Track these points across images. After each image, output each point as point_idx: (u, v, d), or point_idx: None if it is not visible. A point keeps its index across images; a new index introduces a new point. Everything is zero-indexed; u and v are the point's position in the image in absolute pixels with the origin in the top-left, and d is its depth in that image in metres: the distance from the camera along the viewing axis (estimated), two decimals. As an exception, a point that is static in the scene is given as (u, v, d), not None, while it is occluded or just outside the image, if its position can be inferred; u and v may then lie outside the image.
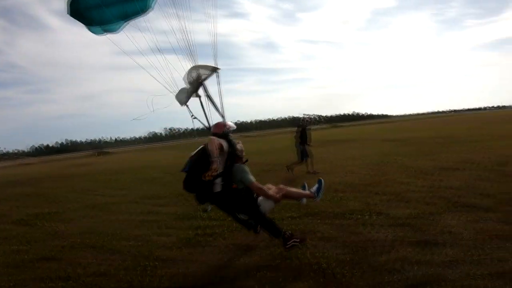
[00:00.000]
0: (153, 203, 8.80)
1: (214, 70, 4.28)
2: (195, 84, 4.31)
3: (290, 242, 3.85)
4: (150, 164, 23.23)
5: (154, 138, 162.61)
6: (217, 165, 3.58)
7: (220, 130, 4.14)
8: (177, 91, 4.50)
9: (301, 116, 11.02)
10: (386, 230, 5.13)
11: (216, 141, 3.72)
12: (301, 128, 11.06)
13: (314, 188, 4.57)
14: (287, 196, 4.35)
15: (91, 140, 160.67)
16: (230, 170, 3.96)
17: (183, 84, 4.40)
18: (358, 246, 4.53)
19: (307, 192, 4.56)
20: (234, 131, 4.37)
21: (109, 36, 4.60)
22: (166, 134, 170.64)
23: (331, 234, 5.05)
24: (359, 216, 5.96)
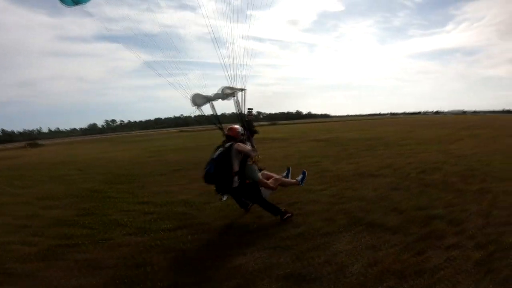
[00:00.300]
0: (42, 205, 8.55)
1: (241, 89, 6.04)
2: (224, 97, 5.97)
3: (285, 216, 5.57)
4: (68, 159, 21.53)
5: (93, 130, 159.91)
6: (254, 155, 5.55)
7: (236, 135, 5.69)
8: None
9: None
10: (259, 253, 4.42)
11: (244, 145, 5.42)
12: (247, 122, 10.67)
13: (299, 177, 6.45)
14: (281, 184, 6.07)
15: (26, 130, 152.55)
16: (243, 169, 5.41)
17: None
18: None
19: (294, 180, 6.38)
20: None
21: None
22: (103, 126, 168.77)
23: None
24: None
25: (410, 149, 14.99)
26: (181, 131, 71.49)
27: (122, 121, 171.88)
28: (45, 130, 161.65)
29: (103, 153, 24.00)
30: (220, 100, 6.15)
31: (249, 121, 6.45)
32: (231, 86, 5.97)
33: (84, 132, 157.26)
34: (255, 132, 6.56)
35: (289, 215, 5.67)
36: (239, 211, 6.46)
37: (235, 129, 5.79)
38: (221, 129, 6.23)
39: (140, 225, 6.18)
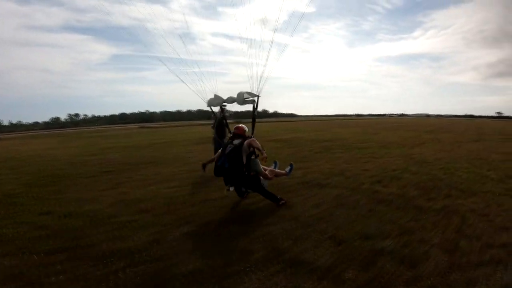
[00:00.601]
0: None
1: (258, 96, 6.71)
2: (243, 102, 6.61)
3: (280, 202, 6.49)
4: (8, 155, 18.61)
5: (55, 124, 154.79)
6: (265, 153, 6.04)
7: (242, 133, 6.53)
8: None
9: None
10: None
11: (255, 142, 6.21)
12: (217, 120, 10.32)
13: (287, 169, 7.56)
14: (275, 175, 7.04)
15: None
16: (249, 163, 6.25)
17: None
18: None
19: (283, 172, 7.40)
20: None
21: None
22: (66, 120, 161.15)
23: None
24: None
25: (369, 153, 14.06)
26: (142, 127, 69.78)
27: (86, 115, 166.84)
28: (5, 123, 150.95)
29: (49, 149, 21.57)
30: (235, 103, 6.76)
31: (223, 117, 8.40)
32: (250, 92, 6.60)
33: (46, 125, 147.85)
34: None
35: (283, 201, 6.56)
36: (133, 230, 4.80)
37: (242, 127, 6.59)
38: (227, 127, 7.57)
39: (23, 243, 4.91)
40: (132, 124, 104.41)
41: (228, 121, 8.30)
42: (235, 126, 6.66)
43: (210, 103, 7.11)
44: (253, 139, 6.29)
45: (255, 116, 6.95)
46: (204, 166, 6.41)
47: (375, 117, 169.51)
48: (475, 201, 6.82)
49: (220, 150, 6.39)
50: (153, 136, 32.06)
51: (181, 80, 6.72)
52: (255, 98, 6.68)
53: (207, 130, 45.55)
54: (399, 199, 6.94)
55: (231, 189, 6.42)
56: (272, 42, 6.67)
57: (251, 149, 6.26)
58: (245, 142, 6.14)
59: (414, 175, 9.45)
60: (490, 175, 9.51)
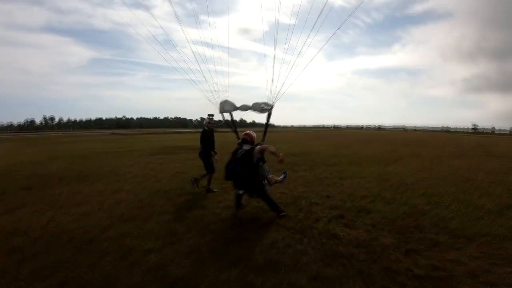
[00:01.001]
0: None
1: (272, 106, 6.86)
2: (261, 111, 6.80)
3: (281, 214, 6.39)
4: None
5: (29, 127, 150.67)
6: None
7: (252, 139, 6.68)
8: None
9: (205, 117, 9.44)
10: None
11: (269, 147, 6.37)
12: (205, 132, 9.10)
13: (282, 177, 7.31)
14: (274, 182, 6.94)
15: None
16: (257, 168, 6.37)
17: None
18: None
19: (279, 179, 7.12)
20: None
21: None
22: (42, 123, 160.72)
23: None
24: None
25: (337, 172, 11.90)
26: (114, 133, 66.70)
27: (61, 119, 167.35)
28: None
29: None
30: (247, 111, 6.98)
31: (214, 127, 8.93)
32: (267, 102, 6.79)
33: (20, 128, 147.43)
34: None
35: (284, 213, 6.46)
36: None
37: (251, 134, 6.74)
38: (236, 133, 7.30)
39: None
40: (106, 130, 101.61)
41: (219, 130, 9.03)
42: (244, 132, 6.81)
43: (226, 108, 7.13)
44: (266, 145, 6.45)
45: (268, 124, 7.13)
46: (195, 181, 8.54)
47: (353, 129, 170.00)
48: (474, 254, 4.68)
49: (230, 155, 6.61)
50: (114, 144, 29.56)
51: (199, 89, 7.26)
52: (271, 108, 6.86)
53: (177, 138, 43.94)
54: (365, 255, 4.69)
55: (241, 192, 6.72)
56: (296, 58, 6.71)
57: (261, 155, 6.40)
58: (257, 148, 6.35)
59: (388, 205, 7.30)
60: (484, 204, 7.47)
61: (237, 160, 6.33)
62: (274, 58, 6.93)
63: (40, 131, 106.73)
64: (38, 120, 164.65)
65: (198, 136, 9.16)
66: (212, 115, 8.70)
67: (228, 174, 6.45)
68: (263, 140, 6.86)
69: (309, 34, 6.37)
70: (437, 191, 8.74)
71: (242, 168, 6.23)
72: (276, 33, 6.66)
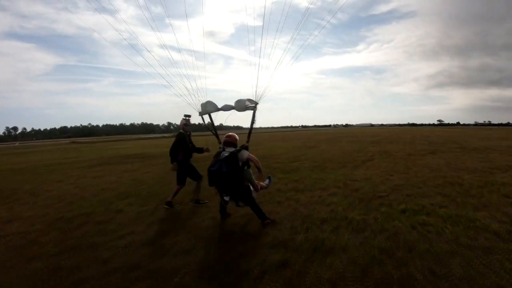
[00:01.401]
0: None
1: (256, 103, 6.37)
2: (243, 109, 6.19)
3: (266, 221, 5.88)
4: None
5: None
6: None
7: (235, 141, 6.10)
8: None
9: (180, 120, 7.89)
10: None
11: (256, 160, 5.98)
12: (181, 136, 7.53)
13: (267, 181, 6.85)
14: (260, 188, 6.37)
15: None
16: (242, 172, 5.91)
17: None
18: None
19: (264, 184, 6.64)
20: None
21: None
22: (5, 133, 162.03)
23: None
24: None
25: (294, 182, 9.68)
26: (74, 142, 62.37)
27: (25, 129, 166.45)
28: None
29: None
30: (230, 111, 6.39)
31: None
32: (251, 99, 6.32)
33: None
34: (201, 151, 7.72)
35: (269, 220, 5.95)
36: None
37: (234, 136, 6.15)
38: (217, 136, 6.63)
39: None
40: (67, 139, 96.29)
41: (194, 133, 7.97)
42: (226, 134, 6.21)
43: (205, 110, 6.55)
44: (250, 154, 5.97)
45: (253, 123, 6.49)
46: (197, 202, 7.39)
47: (320, 128, 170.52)
48: None
49: (213, 158, 5.91)
50: (63, 155, 26.17)
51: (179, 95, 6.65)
52: (256, 106, 6.37)
53: (139, 145, 40.95)
54: None
55: (227, 198, 5.89)
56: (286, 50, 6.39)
57: (246, 159, 5.92)
58: (246, 154, 5.87)
59: (358, 235, 5.07)
60: (487, 224, 5.40)
61: (221, 161, 5.76)
62: (260, 56, 6.43)
63: (1, 143, 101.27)
64: (1, 131, 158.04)
65: (170, 142, 7.62)
66: (189, 116, 7.60)
67: (212, 176, 5.76)
68: (247, 141, 6.42)
69: (275, 35, 6.17)
70: (420, 204, 6.67)
71: (228, 170, 5.65)
72: (249, 34, 6.46)
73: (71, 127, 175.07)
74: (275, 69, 6.46)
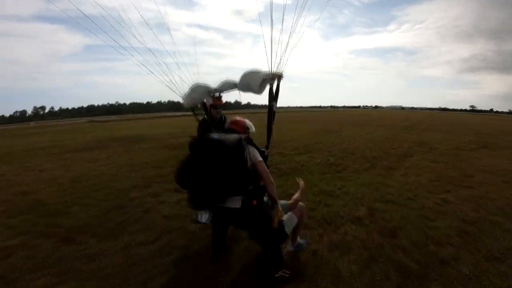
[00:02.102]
0: None
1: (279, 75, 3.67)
2: (259, 85, 3.64)
3: (284, 274, 3.26)
4: None
5: (19, 118, 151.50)
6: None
7: (242, 129, 3.41)
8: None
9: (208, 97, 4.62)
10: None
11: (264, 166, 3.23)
12: (202, 123, 4.54)
13: (302, 241, 4.04)
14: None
15: None
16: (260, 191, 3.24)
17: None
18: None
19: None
20: None
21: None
22: (33, 113, 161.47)
23: None
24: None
25: (284, 196, 5.76)
26: (91, 121, 60.81)
27: (52, 108, 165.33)
28: None
29: None
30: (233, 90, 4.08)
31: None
32: (261, 71, 3.62)
33: (10, 119, 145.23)
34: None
35: (287, 274, 3.26)
36: None
37: (242, 121, 3.50)
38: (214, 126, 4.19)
39: None
40: (85, 118, 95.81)
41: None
42: (230, 120, 3.57)
43: (191, 101, 4.28)
44: (264, 167, 3.13)
45: (272, 107, 3.72)
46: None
47: (350, 109, 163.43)
48: None
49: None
50: (62, 136, 22.24)
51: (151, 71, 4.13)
52: (278, 79, 3.66)
53: (152, 124, 37.44)
54: None
55: (205, 219, 3.05)
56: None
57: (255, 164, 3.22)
58: (254, 152, 3.12)
59: None
60: None
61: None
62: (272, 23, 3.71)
63: (26, 123, 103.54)
64: (29, 110, 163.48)
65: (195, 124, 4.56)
66: (218, 92, 4.28)
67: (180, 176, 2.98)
68: (267, 145, 3.81)
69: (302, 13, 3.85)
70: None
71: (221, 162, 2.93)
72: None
73: (98, 105, 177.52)
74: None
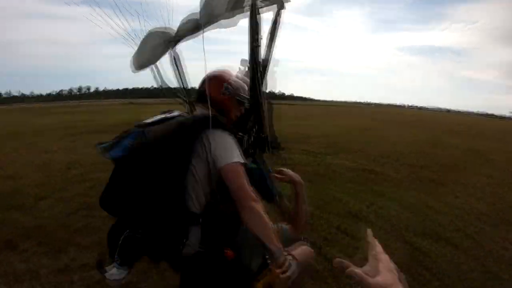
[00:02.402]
0: None
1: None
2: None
3: None
4: None
5: (60, 97, 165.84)
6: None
7: (216, 92, 1.69)
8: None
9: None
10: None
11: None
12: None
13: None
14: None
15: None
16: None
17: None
18: None
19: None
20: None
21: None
22: (76, 93, 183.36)
23: None
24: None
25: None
26: (131, 103, 61.58)
27: (97, 88, 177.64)
28: (15, 93, 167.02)
29: None
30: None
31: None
32: None
33: (53, 98, 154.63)
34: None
35: None
36: None
37: (221, 76, 1.72)
38: (188, 102, 2.16)
39: None
40: (127, 100, 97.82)
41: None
42: (206, 75, 1.69)
43: (141, 60, 2.26)
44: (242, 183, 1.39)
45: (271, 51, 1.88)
46: None
47: (393, 108, 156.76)
48: None
49: None
50: (72, 118, 21.53)
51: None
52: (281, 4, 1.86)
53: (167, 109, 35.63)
54: None
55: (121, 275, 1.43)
56: None
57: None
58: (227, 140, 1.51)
59: None
60: None
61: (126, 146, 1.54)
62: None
63: (74, 101, 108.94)
64: (75, 89, 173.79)
65: None
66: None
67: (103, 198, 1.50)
68: (261, 120, 1.90)
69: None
70: None
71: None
72: None
73: (142, 88, 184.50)
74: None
